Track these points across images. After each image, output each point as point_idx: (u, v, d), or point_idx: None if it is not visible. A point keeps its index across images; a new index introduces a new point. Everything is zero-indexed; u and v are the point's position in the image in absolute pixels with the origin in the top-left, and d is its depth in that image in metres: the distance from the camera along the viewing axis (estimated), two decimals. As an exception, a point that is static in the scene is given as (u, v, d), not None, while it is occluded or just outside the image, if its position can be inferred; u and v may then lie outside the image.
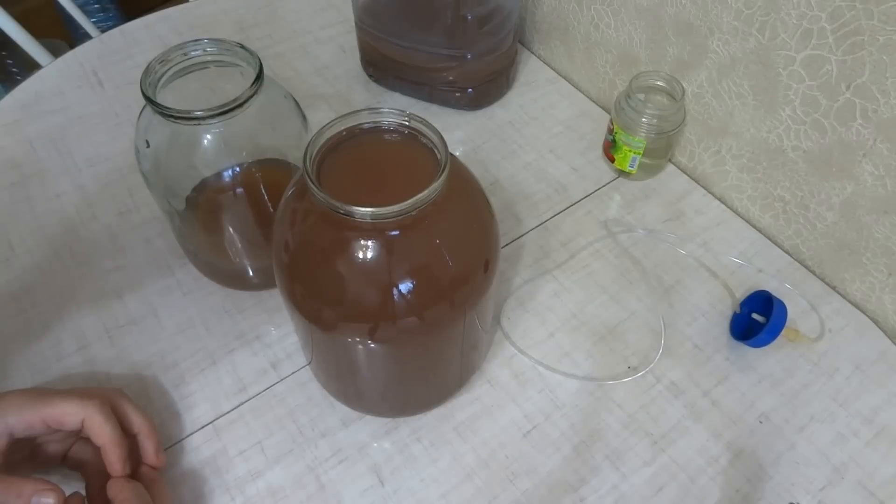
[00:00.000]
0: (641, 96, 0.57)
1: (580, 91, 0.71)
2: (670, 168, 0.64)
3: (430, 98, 0.69)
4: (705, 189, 0.62)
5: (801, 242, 0.57)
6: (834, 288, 0.55)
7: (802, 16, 0.47)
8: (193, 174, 0.44)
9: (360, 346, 0.38)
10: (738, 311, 0.52)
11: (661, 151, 0.60)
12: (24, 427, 0.39)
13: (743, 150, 0.57)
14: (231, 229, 0.48)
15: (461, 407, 0.48)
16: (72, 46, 0.76)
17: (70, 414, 0.39)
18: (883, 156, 0.47)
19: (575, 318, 0.53)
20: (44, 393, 0.40)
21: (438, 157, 0.36)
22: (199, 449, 0.45)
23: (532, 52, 0.75)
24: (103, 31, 0.78)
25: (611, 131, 0.60)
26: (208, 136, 0.42)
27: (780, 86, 0.51)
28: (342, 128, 0.37)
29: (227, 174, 0.44)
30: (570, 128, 0.67)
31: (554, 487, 0.44)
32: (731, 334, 0.52)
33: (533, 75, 0.73)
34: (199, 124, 0.40)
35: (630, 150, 0.59)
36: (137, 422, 0.42)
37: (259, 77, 0.41)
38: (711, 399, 0.49)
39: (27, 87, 0.69)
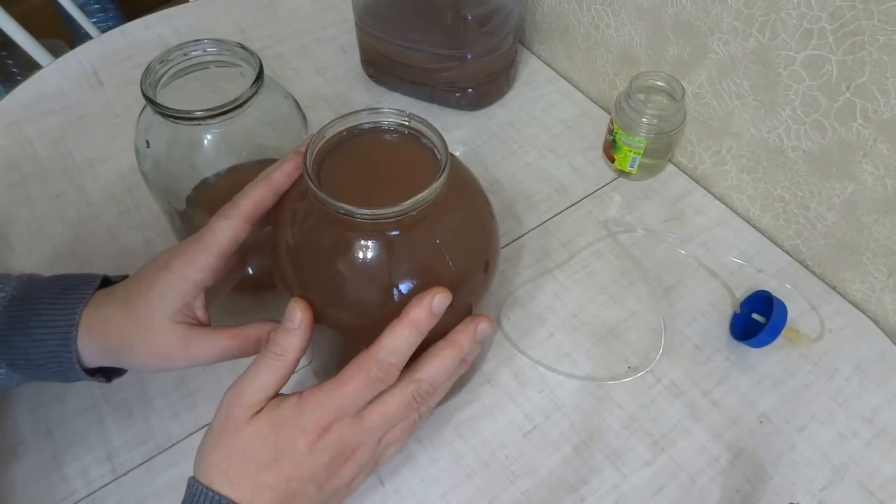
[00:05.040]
0: (641, 96, 0.57)
1: (580, 91, 0.71)
2: (670, 168, 0.64)
3: (431, 98, 0.69)
4: (705, 189, 0.62)
5: (801, 242, 0.57)
6: (834, 288, 0.55)
7: (802, 16, 0.47)
8: (193, 174, 0.44)
9: (361, 347, 0.38)
10: (738, 311, 0.52)
11: (661, 151, 0.60)
12: (208, 276, 0.38)
13: (743, 150, 0.57)
14: (231, 229, 0.48)
15: (461, 407, 0.48)
16: (72, 46, 0.76)
17: (233, 232, 0.37)
18: (883, 156, 0.47)
19: (575, 318, 0.53)
20: (191, 240, 0.38)
21: (438, 157, 0.36)
22: (199, 449, 0.45)
23: (532, 52, 0.75)
24: (103, 31, 0.78)
25: (611, 131, 0.60)
26: (208, 136, 0.42)
27: (780, 86, 0.51)
28: (342, 128, 0.37)
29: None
30: (571, 128, 0.67)
31: (554, 487, 0.44)
32: (731, 334, 0.52)
33: (533, 75, 0.73)
34: (199, 124, 0.40)
35: (630, 150, 0.59)
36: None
37: (259, 77, 0.41)
38: (711, 399, 0.49)
39: (27, 87, 0.69)
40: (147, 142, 0.43)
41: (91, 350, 0.38)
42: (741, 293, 0.54)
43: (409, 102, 0.69)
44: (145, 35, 0.75)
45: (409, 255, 0.35)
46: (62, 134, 0.65)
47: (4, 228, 0.57)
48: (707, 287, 0.55)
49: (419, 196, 0.33)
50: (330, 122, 0.36)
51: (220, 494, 0.33)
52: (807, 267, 0.57)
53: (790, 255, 0.57)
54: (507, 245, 0.58)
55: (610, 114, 0.63)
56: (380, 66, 0.69)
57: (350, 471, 0.36)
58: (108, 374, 0.42)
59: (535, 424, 0.47)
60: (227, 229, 0.37)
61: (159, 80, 0.41)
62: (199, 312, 0.39)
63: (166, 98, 0.41)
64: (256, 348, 0.39)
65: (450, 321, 0.38)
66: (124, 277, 0.42)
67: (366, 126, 0.38)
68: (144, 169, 0.44)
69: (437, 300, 0.34)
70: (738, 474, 0.45)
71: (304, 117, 0.47)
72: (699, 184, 0.62)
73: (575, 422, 0.47)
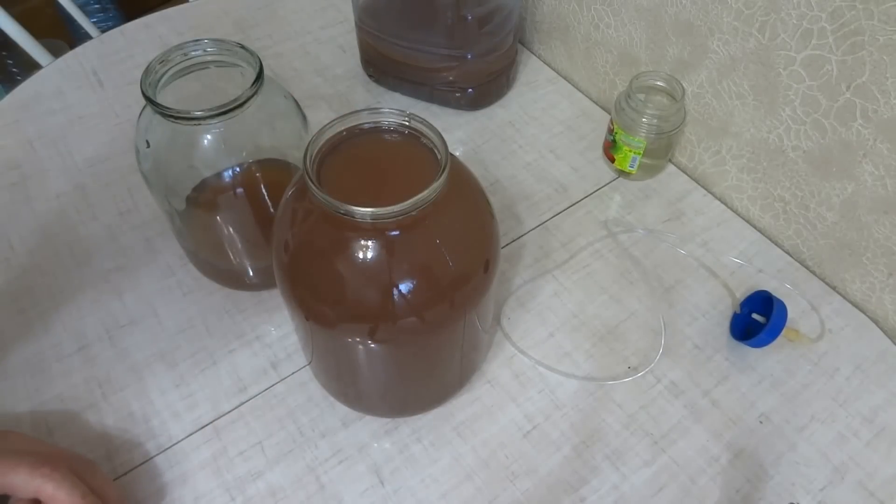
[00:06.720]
0: (641, 96, 0.57)
1: (580, 91, 0.71)
2: (670, 168, 0.64)
3: (431, 98, 0.69)
4: (705, 189, 0.62)
5: (801, 242, 0.57)
6: (834, 288, 0.55)
7: (802, 16, 0.47)
8: (193, 174, 0.44)
9: (360, 347, 0.38)
10: (738, 311, 0.52)
11: (661, 151, 0.60)
12: None
13: (743, 150, 0.57)
14: (231, 229, 0.48)
15: (461, 407, 0.48)
16: (72, 46, 0.76)
17: (17, 487, 0.35)
18: (883, 156, 0.47)
19: (575, 318, 0.53)
20: None
21: (438, 157, 0.36)
22: (199, 449, 0.45)
23: (532, 52, 0.75)
24: (103, 31, 0.78)
25: (611, 131, 0.60)
26: (208, 136, 0.42)
27: (780, 86, 0.51)
28: (342, 128, 0.37)
29: (227, 174, 0.44)
30: (571, 128, 0.67)
31: (554, 487, 0.44)
32: (731, 334, 0.52)
33: (533, 75, 0.73)
34: (199, 124, 0.40)
35: (630, 150, 0.59)
36: (111, 496, 0.38)
37: (259, 77, 0.41)
38: (711, 399, 0.49)
39: (27, 87, 0.69)
40: (147, 142, 0.43)
41: None
42: (741, 293, 0.54)
43: (409, 102, 0.69)
44: (145, 35, 0.75)
45: (409, 255, 0.35)
46: (62, 134, 0.65)
47: (4, 228, 0.57)
48: (707, 287, 0.55)
49: (419, 196, 0.33)
50: (330, 122, 0.36)
51: None
52: (807, 267, 0.57)
53: (790, 255, 0.57)
54: (507, 245, 0.58)
55: (610, 114, 0.63)
56: (380, 66, 0.69)
57: None
58: None
59: (535, 424, 0.47)
60: None
61: (159, 80, 0.41)
62: None
63: (166, 98, 0.41)
64: None
65: (449, 322, 0.38)
66: None
67: (366, 126, 0.38)
68: (144, 169, 0.44)
69: None
70: (738, 474, 0.45)
71: (304, 117, 0.47)
72: (699, 184, 0.62)
73: (575, 422, 0.47)
